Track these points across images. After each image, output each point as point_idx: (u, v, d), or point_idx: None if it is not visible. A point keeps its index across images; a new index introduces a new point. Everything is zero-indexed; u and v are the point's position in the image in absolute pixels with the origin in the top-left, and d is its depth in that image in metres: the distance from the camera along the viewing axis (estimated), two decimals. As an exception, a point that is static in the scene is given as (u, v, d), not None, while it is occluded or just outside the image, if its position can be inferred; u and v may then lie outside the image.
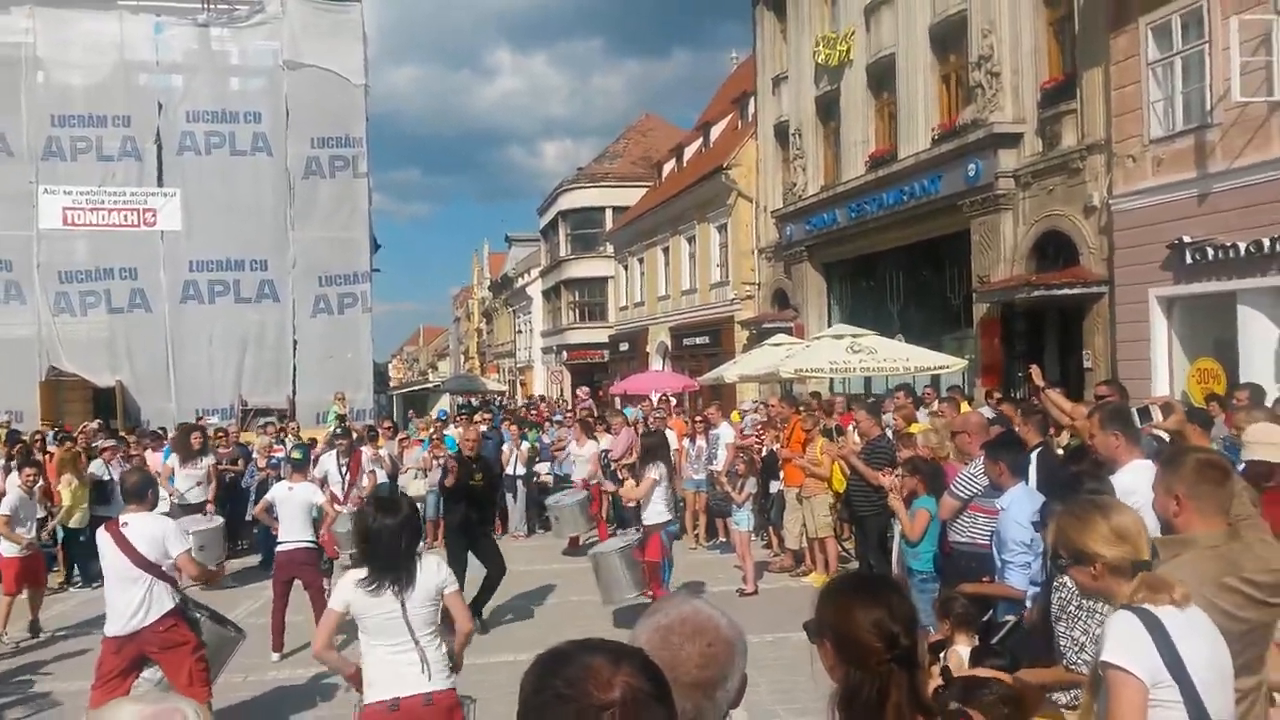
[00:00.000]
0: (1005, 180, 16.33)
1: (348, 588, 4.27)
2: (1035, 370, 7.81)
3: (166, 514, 8.16)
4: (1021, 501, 5.56)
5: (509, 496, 14.97)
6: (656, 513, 8.77)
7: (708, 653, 1.65)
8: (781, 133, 25.29)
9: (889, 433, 9.99)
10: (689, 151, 35.07)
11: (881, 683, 1.97)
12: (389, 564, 4.24)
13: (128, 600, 5.84)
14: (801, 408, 11.65)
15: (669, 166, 36.87)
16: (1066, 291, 14.65)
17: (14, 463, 11.12)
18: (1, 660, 8.81)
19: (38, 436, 14.42)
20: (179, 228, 21.35)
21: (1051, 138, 15.57)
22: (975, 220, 17.08)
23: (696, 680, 1.64)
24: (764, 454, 12.14)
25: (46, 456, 12.88)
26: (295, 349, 21.76)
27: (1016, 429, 6.99)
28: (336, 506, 10.52)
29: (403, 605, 4.20)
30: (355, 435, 13.35)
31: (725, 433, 13.32)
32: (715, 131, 32.79)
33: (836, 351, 14.56)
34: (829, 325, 20.27)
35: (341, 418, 17.65)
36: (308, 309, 21.90)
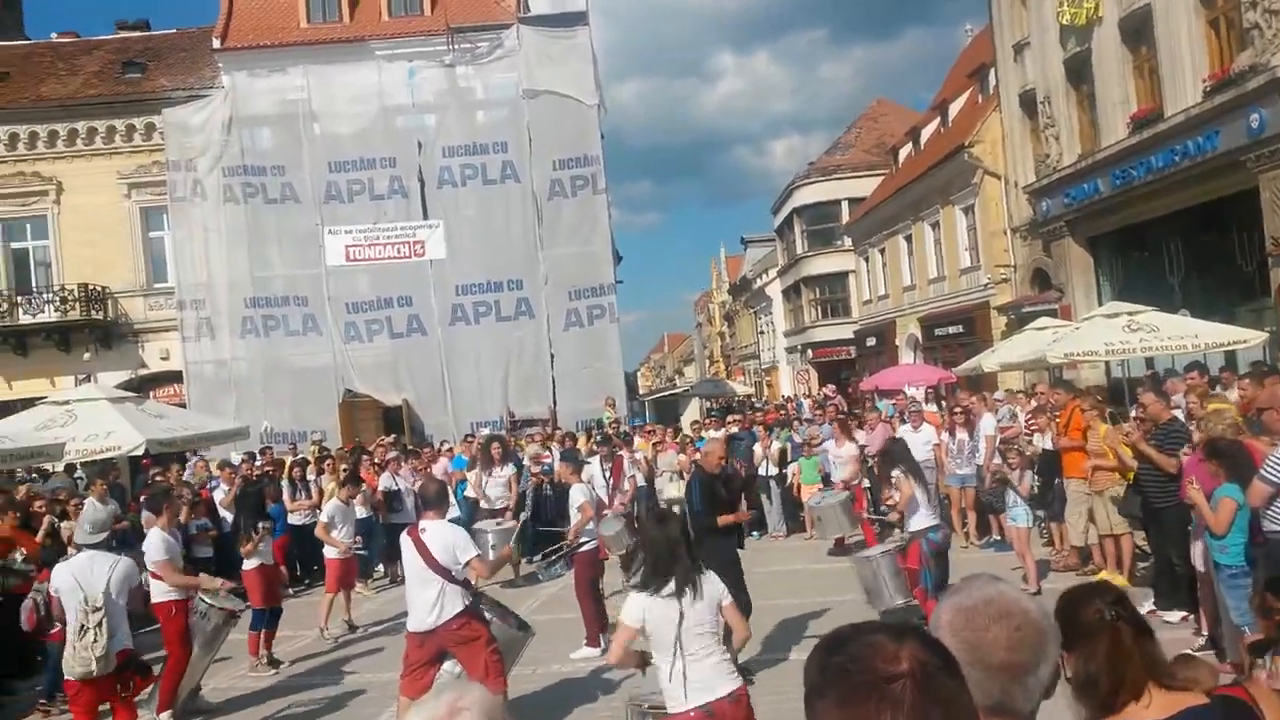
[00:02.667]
0: (1298, 129, 14.51)
1: (640, 603, 4.43)
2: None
3: (457, 519, 8.86)
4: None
5: (764, 497, 15.00)
6: (918, 518, 8.41)
7: (1016, 636, 1.58)
8: (1028, 102, 23.76)
9: (1180, 415, 9.10)
10: (926, 133, 33.72)
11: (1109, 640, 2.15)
12: (676, 575, 4.40)
13: (424, 599, 6.34)
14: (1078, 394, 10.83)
15: (905, 151, 35.61)
16: (1388, 247, 12.78)
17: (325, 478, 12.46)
18: (323, 654, 9.85)
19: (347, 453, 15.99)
20: (444, 256, 23.09)
21: (1354, 75, 13.66)
22: (1264, 176, 15.27)
23: (1004, 663, 1.57)
24: (1039, 445, 11.40)
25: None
26: (552, 361, 22.92)
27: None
28: (604, 510, 10.97)
29: (688, 614, 4.34)
30: (615, 443, 13.86)
31: (986, 424, 12.67)
32: (954, 109, 31.32)
33: (1111, 332, 13.41)
34: (1099, 304, 18.76)
35: (616, 422, 18.34)
36: (560, 323, 23.04)
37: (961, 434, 12.73)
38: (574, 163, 23.29)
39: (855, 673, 1.25)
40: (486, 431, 18.47)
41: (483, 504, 13.03)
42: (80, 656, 6.00)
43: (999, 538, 11.98)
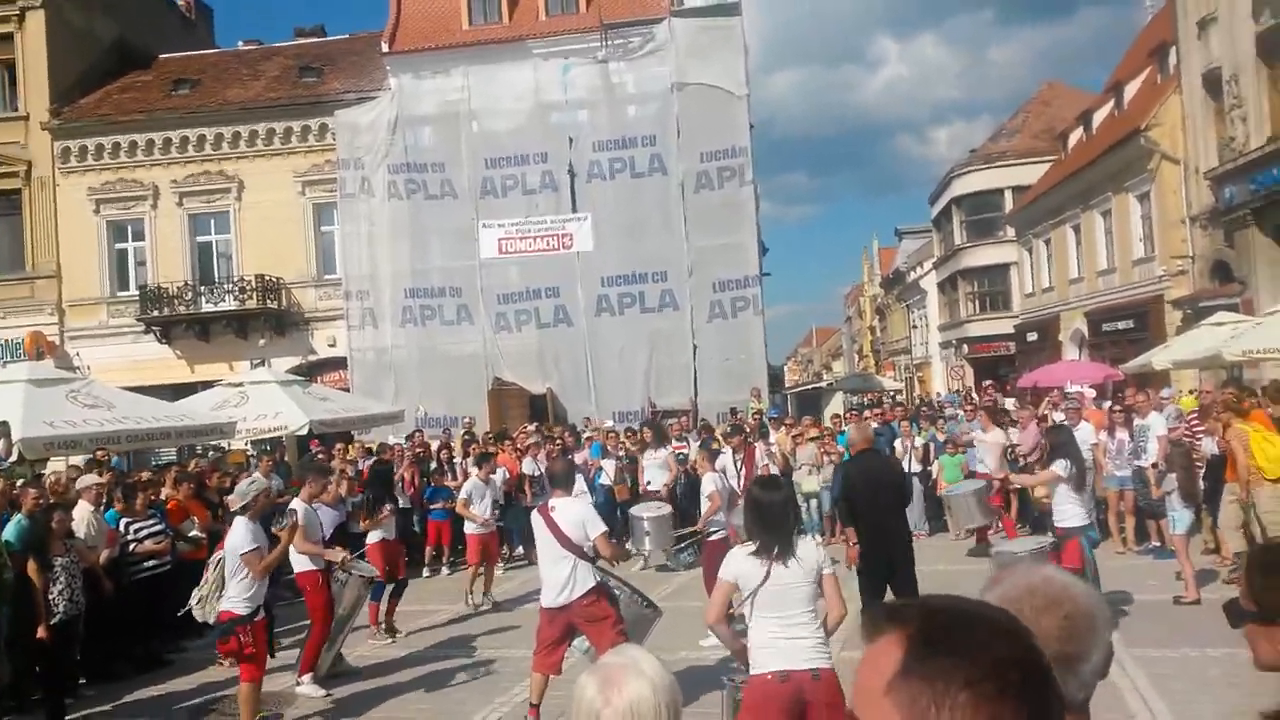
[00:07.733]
0: None
1: (738, 559, 4.46)
2: None
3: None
4: None
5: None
6: (1071, 515, 7.95)
7: (1065, 625, 1.50)
8: (1212, 82, 22.05)
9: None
10: (1098, 117, 31.82)
11: None
12: (775, 537, 4.39)
13: (557, 576, 6.51)
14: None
15: (1075, 136, 33.71)
16: None
17: (471, 460, 12.94)
18: (461, 628, 10.20)
19: (491, 437, 16.58)
20: (591, 248, 23.47)
21: None
22: None
23: (1056, 655, 1.44)
24: (1206, 450, 10.61)
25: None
26: (695, 353, 22.95)
27: None
28: (736, 500, 10.94)
29: (779, 576, 4.33)
30: (748, 431, 13.77)
31: (1155, 423, 11.86)
32: (1129, 91, 29.41)
33: (1296, 327, 12.36)
34: (1286, 297, 17.29)
35: (758, 413, 18.23)
36: (704, 314, 23.03)
37: (1122, 433, 11.98)
38: (722, 154, 23.21)
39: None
40: (611, 424, 18.41)
41: (642, 489, 13.31)
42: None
43: (1158, 544, 11.24)
